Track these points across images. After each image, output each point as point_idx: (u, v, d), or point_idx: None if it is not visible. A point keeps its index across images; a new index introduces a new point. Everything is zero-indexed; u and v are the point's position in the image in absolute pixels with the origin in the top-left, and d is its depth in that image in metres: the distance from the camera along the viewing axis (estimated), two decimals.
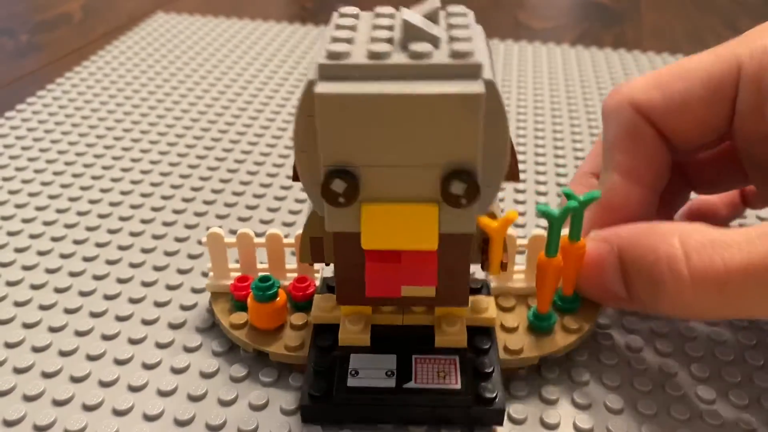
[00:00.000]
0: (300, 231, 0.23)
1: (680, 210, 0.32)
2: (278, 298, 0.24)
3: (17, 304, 0.28)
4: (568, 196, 0.23)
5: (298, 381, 0.24)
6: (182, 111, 0.44)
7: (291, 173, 0.23)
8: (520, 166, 0.38)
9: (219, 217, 0.34)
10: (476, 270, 0.29)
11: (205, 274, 0.29)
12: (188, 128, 0.42)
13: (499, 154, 0.19)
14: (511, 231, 0.24)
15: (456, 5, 0.22)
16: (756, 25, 0.25)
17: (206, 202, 0.35)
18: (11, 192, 0.35)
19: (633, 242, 0.23)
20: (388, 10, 0.22)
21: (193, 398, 0.24)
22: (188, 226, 0.33)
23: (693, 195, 0.30)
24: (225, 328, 0.25)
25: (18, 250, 0.31)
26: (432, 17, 0.20)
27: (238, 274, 0.26)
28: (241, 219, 0.34)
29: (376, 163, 0.19)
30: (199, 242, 0.32)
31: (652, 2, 0.69)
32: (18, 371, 0.24)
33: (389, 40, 0.19)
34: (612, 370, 0.25)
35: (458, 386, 0.22)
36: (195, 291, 0.29)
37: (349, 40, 0.20)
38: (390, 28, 0.20)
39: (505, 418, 0.23)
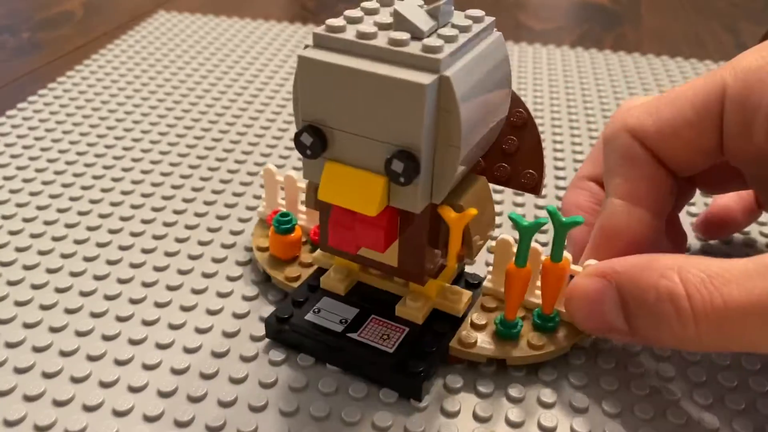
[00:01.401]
0: None
1: (698, 217, 0.32)
2: (293, 234, 0.28)
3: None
4: (551, 214, 0.23)
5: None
6: (183, 111, 0.44)
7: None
8: None
9: (219, 218, 0.34)
10: (477, 269, 0.29)
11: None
12: (189, 128, 0.42)
13: (451, 148, 0.21)
14: (535, 245, 0.25)
15: (477, 10, 0.23)
16: (754, 27, 0.25)
17: (206, 203, 0.35)
18: (12, 191, 0.35)
19: (632, 278, 0.22)
20: None
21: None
22: (188, 227, 0.33)
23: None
24: (253, 248, 0.29)
25: (19, 250, 0.31)
26: (433, 12, 0.21)
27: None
28: (242, 220, 0.34)
29: (342, 129, 0.21)
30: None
31: (652, 5, 0.70)
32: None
33: (384, 25, 0.21)
34: (609, 373, 0.25)
35: (390, 350, 0.24)
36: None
37: (355, 19, 0.21)
38: (393, 14, 0.22)
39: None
